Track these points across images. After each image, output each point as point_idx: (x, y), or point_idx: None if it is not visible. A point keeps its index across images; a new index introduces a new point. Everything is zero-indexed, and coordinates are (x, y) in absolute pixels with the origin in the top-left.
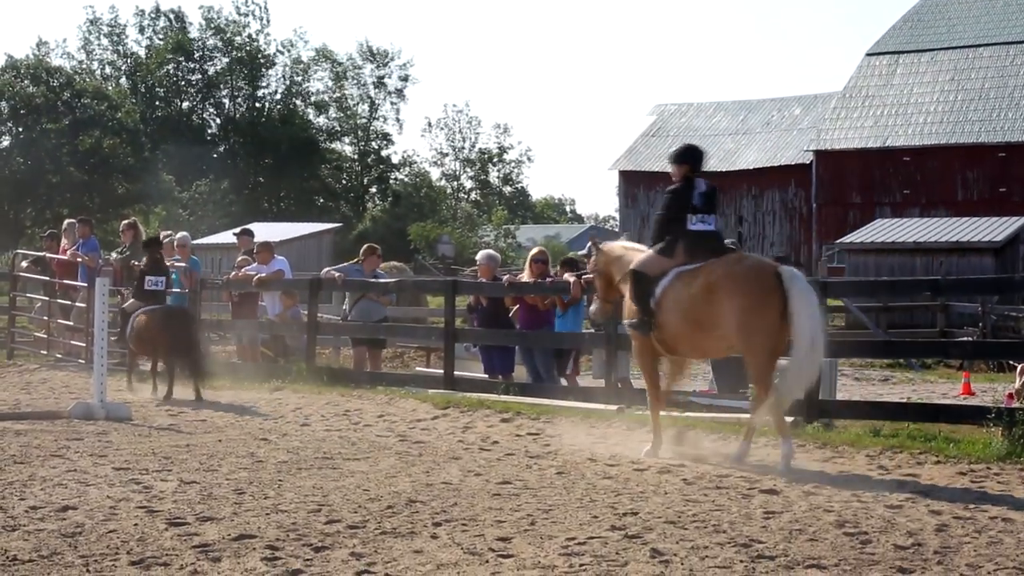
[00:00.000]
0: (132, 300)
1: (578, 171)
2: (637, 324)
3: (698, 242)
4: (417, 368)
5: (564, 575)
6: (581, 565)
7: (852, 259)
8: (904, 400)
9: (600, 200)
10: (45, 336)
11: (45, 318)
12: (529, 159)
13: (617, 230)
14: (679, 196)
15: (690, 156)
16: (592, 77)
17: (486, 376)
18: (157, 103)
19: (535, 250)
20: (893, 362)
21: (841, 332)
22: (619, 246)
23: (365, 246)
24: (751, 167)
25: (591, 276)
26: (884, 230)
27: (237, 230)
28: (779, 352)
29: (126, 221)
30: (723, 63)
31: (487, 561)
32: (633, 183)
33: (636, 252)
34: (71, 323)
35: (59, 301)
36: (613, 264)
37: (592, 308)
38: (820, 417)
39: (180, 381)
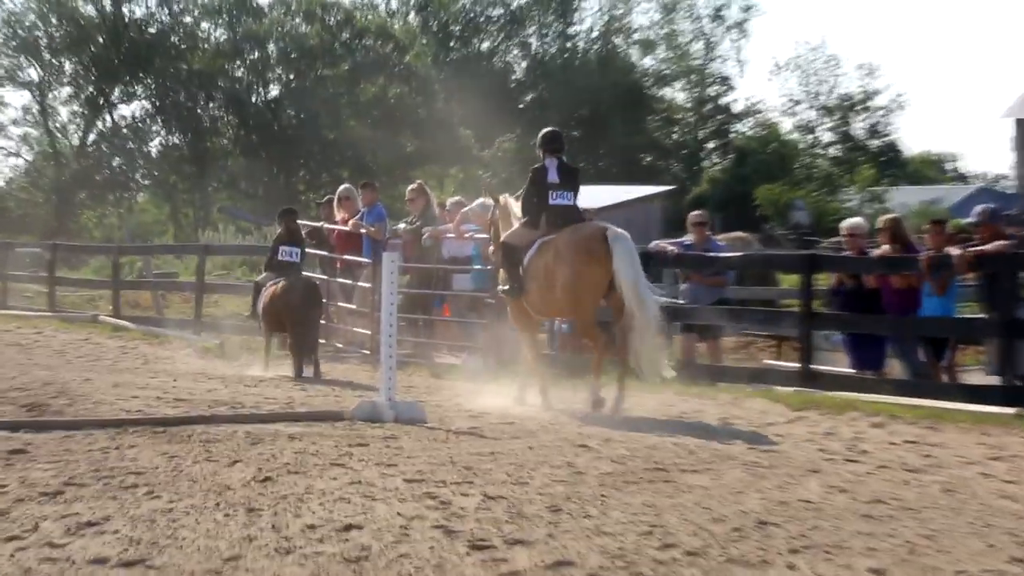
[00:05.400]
0: (265, 272)
1: (962, 121)
2: (508, 289)
3: (557, 215)
4: (766, 361)
5: None
6: None
7: None
8: None
9: (990, 155)
10: (323, 321)
11: (323, 300)
12: (901, 106)
13: (1012, 192)
14: (539, 173)
15: (548, 140)
16: (977, 8)
17: (852, 371)
18: (452, 44)
19: (885, 217)
20: None
21: None
22: (517, 206)
23: (690, 215)
24: None
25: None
26: None
27: None
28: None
29: (413, 186)
30: None
31: None
32: None
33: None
34: (353, 306)
35: (339, 280)
36: (506, 221)
37: (490, 249)
38: None
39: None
